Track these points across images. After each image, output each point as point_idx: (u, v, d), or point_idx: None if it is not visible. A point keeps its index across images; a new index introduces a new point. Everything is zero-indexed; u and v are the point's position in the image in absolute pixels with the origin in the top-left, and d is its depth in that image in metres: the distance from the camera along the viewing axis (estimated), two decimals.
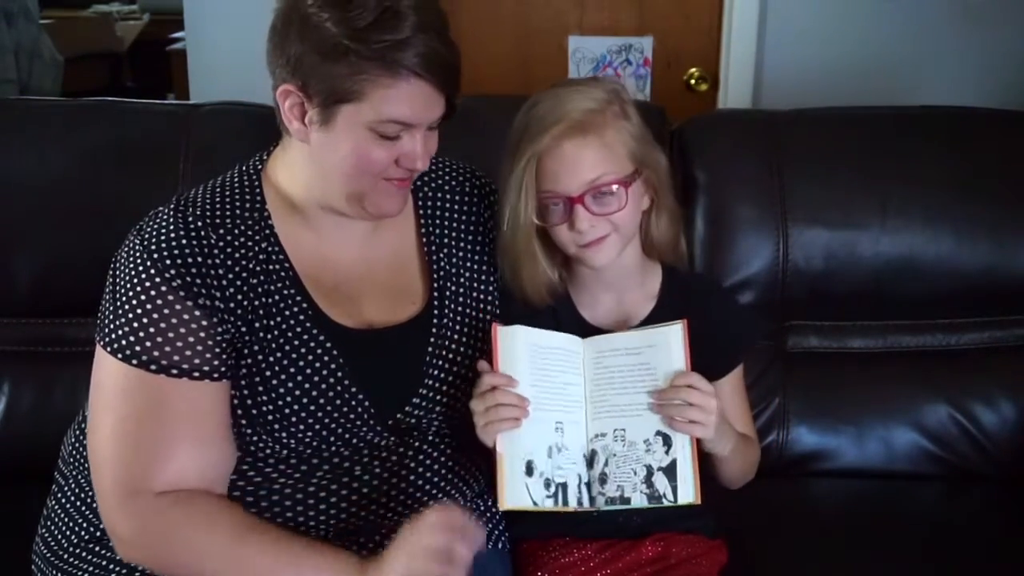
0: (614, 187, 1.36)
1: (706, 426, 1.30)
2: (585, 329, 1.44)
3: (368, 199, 1.35)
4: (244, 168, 1.44)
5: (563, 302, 1.47)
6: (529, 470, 1.32)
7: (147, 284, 1.30)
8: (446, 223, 1.49)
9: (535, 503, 1.32)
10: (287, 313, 1.35)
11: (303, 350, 1.34)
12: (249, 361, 1.33)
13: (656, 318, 1.45)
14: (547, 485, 1.33)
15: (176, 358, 1.29)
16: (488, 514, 1.50)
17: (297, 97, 1.29)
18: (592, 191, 1.35)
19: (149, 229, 1.34)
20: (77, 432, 1.49)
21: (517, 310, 1.47)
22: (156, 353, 1.29)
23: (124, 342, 1.29)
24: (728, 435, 1.39)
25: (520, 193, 1.36)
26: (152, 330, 1.29)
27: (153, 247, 1.31)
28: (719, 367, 1.49)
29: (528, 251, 1.41)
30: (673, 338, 1.31)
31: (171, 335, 1.29)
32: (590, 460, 1.35)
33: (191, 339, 1.30)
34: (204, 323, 1.30)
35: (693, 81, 2.68)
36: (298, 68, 1.28)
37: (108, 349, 1.31)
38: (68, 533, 1.42)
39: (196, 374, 1.30)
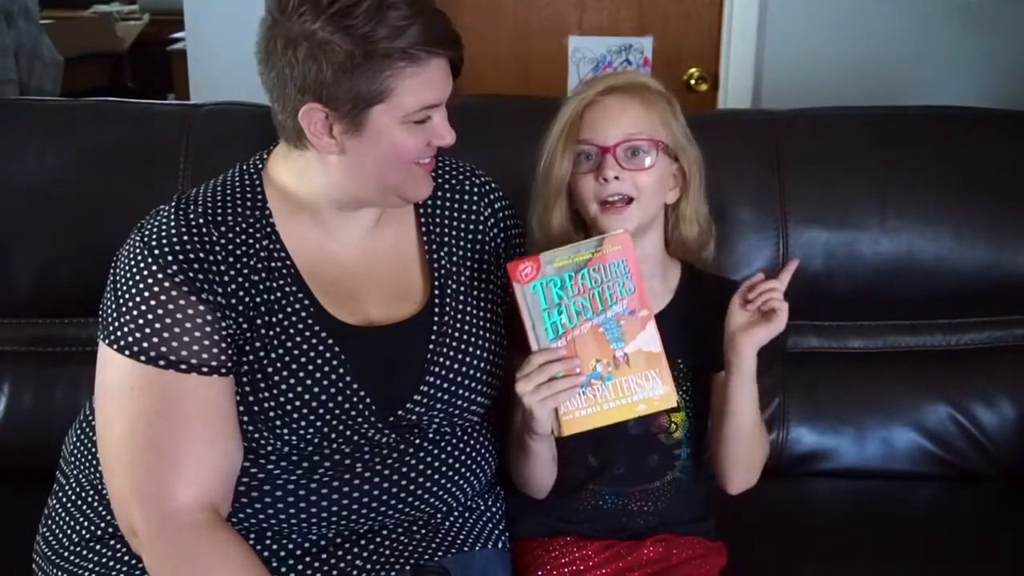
0: (645, 144, 1.41)
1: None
2: None
3: (403, 188, 1.38)
4: (245, 167, 1.44)
5: None
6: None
7: (150, 280, 1.30)
8: (446, 221, 1.49)
9: None
10: (289, 310, 1.35)
11: (305, 347, 1.34)
12: (251, 358, 1.33)
13: (672, 310, 1.48)
14: None
15: (184, 353, 1.29)
16: (488, 514, 1.50)
17: (322, 113, 1.29)
18: (624, 144, 1.41)
19: (150, 227, 1.35)
20: (78, 431, 1.49)
21: None
22: (164, 349, 1.29)
23: (131, 338, 1.30)
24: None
25: (560, 138, 1.44)
26: (158, 325, 1.29)
27: (154, 244, 1.32)
28: None
29: (558, 197, 1.45)
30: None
31: (177, 330, 1.29)
32: None
33: (197, 334, 1.30)
34: (208, 318, 1.31)
35: (693, 81, 2.68)
36: (318, 87, 1.27)
37: (115, 347, 1.31)
38: (69, 532, 1.42)
39: (205, 369, 1.30)
